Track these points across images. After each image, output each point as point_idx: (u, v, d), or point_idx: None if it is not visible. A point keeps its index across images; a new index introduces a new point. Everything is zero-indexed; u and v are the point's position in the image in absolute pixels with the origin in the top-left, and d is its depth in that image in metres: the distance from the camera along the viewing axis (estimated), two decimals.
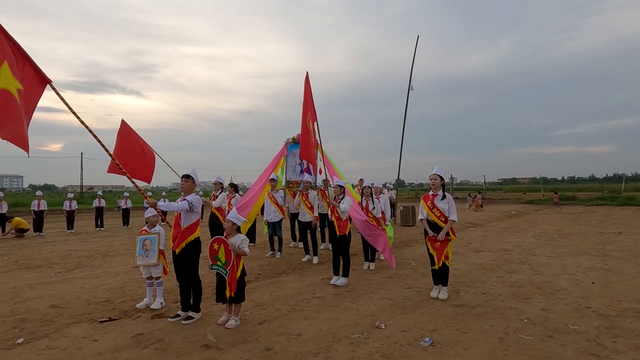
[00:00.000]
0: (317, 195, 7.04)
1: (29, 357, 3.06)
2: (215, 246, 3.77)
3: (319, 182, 7.77)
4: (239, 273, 3.73)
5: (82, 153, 37.13)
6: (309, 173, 7.47)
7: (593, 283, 5.15)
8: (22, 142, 3.01)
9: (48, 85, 3.37)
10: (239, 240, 3.79)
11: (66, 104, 3.46)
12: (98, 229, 12.96)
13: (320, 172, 8.15)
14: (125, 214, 14.16)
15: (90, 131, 3.80)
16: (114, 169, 4.94)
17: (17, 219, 11.39)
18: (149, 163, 5.32)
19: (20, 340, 3.41)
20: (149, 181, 5.24)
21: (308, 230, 7.05)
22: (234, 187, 8.06)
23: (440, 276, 4.59)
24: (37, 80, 3.23)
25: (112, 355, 3.09)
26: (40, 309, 4.25)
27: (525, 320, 3.73)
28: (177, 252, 3.90)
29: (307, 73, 5.59)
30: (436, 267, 4.52)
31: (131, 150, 5.12)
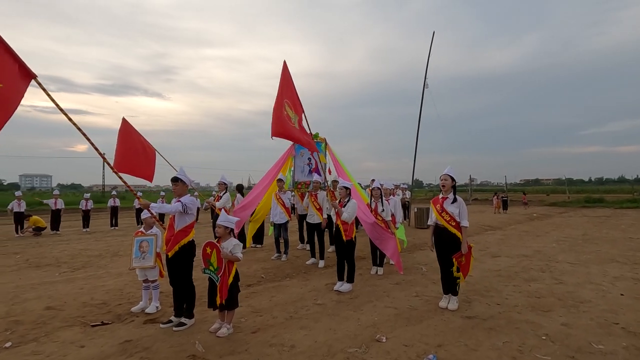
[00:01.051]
0: (327, 196, 6.80)
1: None
2: (208, 250, 3.59)
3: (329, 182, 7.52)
4: (230, 279, 3.53)
5: (104, 153, 38.21)
6: (318, 173, 7.23)
7: (622, 295, 4.70)
8: None
9: (33, 81, 3.27)
10: (231, 245, 3.60)
11: (53, 100, 3.36)
12: (112, 228, 13.16)
13: (330, 172, 7.90)
14: (139, 213, 14.31)
15: (81, 131, 3.69)
16: (118, 167, 4.88)
17: (34, 217, 11.67)
18: (149, 162, 5.23)
19: (8, 344, 3.33)
20: (150, 180, 5.15)
21: (315, 233, 6.83)
22: (239, 190, 7.92)
23: (450, 285, 4.27)
24: (21, 75, 3.14)
25: None
26: (36, 310, 4.19)
27: (544, 337, 3.37)
28: (170, 256, 3.72)
29: (284, 62, 5.34)
30: (462, 281, 4.32)
31: (132, 149, 5.04)
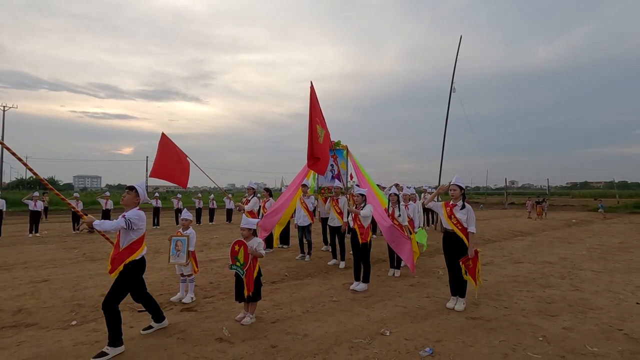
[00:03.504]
0: (348, 200, 7.19)
1: (77, 337, 3.64)
2: (237, 248, 4.11)
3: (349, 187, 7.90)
4: (255, 274, 4.04)
5: (147, 157, 40.89)
6: (339, 179, 7.65)
7: (638, 303, 4.70)
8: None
9: None
10: (256, 244, 4.11)
11: None
12: (154, 227, 14.30)
13: (352, 177, 8.28)
14: (177, 214, 15.42)
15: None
16: (156, 173, 5.60)
17: (90, 216, 12.99)
18: (184, 170, 5.92)
19: (74, 322, 4.05)
20: (184, 186, 5.82)
21: (336, 235, 7.24)
22: (269, 192, 8.50)
23: (457, 286, 4.52)
24: None
25: (141, 340, 3.56)
26: (94, 296, 4.95)
27: (541, 339, 3.57)
28: (112, 276, 3.42)
29: (311, 82, 5.76)
30: (475, 288, 4.55)
31: (170, 159, 5.75)
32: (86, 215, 3.46)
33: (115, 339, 3.28)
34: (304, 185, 7.72)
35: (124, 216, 3.38)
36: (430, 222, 13.45)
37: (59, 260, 7.63)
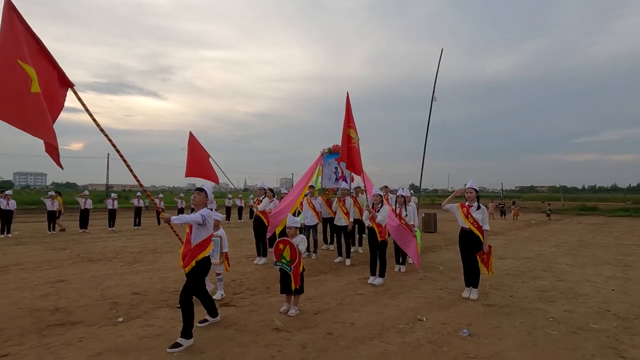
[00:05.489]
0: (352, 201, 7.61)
1: (136, 332, 3.74)
2: (281, 246, 4.39)
3: (352, 189, 8.34)
4: (301, 269, 4.35)
5: (108, 154, 38.80)
6: (345, 181, 8.07)
7: (613, 290, 5.56)
8: (53, 147, 3.23)
9: (70, 89, 3.50)
10: (299, 240, 4.42)
11: (87, 110, 3.57)
12: (136, 227, 13.85)
13: (353, 179, 8.74)
14: (158, 214, 14.98)
15: (112, 142, 3.92)
16: (190, 172, 5.73)
17: (59, 198, 12.41)
18: (212, 167, 6.14)
19: (120, 319, 4.11)
20: (217, 182, 6.04)
21: (342, 234, 7.64)
22: (272, 192, 8.72)
23: (472, 278, 5.10)
24: (60, 84, 3.31)
25: (202, 332, 3.74)
26: (125, 295, 4.97)
27: (551, 319, 4.21)
28: (186, 271, 3.63)
29: (347, 93, 6.28)
30: (488, 277, 5.15)
31: (200, 158, 5.91)
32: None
33: (187, 331, 3.47)
34: (311, 187, 8.06)
35: (199, 213, 3.62)
36: None
37: (55, 262, 7.34)
